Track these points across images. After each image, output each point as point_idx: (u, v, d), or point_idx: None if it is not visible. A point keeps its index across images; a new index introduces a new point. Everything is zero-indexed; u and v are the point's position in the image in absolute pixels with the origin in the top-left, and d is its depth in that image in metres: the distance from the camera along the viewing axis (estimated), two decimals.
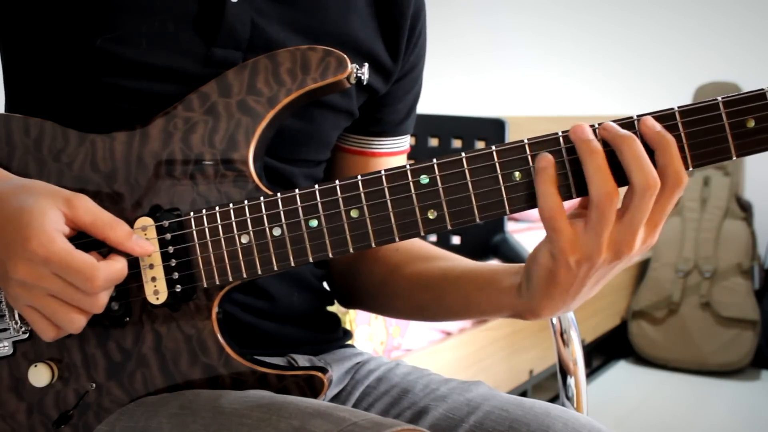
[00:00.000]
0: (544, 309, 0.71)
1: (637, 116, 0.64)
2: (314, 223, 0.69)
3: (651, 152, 0.64)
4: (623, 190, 0.64)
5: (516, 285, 0.73)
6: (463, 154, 0.66)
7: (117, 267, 0.66)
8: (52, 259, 0.62)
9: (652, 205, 0.63)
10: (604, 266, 0.66)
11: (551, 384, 2.88)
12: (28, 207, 0.63)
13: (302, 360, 0.85)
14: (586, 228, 0.64)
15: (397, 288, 0.88)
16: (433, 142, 1.32)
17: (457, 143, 1.31)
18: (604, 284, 0.70)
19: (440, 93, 3.95)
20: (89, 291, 0.64)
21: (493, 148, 0.66)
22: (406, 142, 0.94)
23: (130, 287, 0.70)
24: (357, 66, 0.73)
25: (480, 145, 1.29)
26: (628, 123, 0.64)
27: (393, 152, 0.92)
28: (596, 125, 0.65)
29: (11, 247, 0.63)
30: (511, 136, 1.06)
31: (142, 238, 0.69)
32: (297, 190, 0.69)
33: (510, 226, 1.44)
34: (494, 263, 0.82)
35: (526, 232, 2.61)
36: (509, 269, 0.77)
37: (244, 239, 0.70)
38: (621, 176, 0.64)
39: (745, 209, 3.25)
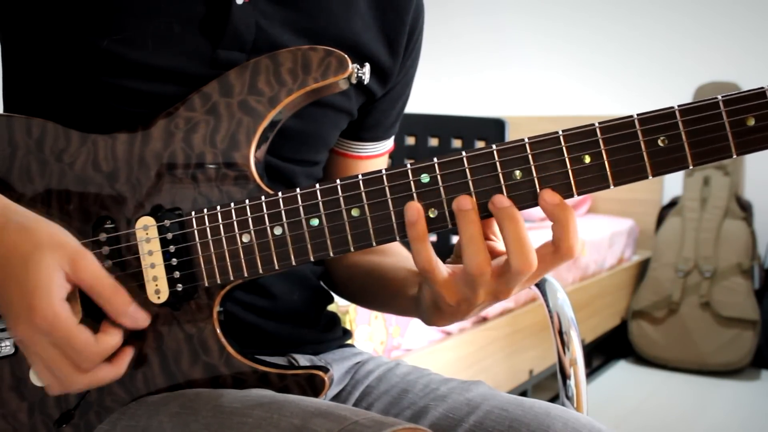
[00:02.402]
0: (437, 323, 0.74)
1: (638, 115, 0.64)
2: (315, 222, 0.69)
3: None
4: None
5: (415, 297, 0.76)
6: (463, 153, 0.66)
7: (112, 344, 0.67)
8: (54, 334, 0.63)
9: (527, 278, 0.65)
10: (486, 302, 0.68)
11: (551, 384, 2.88)
12: (33, 266, 0.63)
13: (303, 359, 0.85)
14: (462, 281, 0.66)
15: (334, 274, 0.94)
16: (433, 142, 1.32)
17: (457, 143, 1.31)
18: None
19: (440, 93, 3.96)
20: (83, 368, 0.65)
21: (494, 147, 0.66)
22: (389, 143, 0.95)
23: (131, 287, 0.70)
24: (358, 66, 0.73)
25: (480, 144, 1.28)
26: (627, 122, 0.65)
27: (376, 155, 0.93)
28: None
29: (14, 308, 0.64)
30: (511, 136, 1.06)
31: (139, 310, 0.68)
32: (298, 190, 0.69)
33: None
34: (411, 267, 0.82)
35: (527, 231, 2.60)
36: (415, 280, 0.79)
37: (246, 238, 0.70)
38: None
39: (745, 209, 3.25)
